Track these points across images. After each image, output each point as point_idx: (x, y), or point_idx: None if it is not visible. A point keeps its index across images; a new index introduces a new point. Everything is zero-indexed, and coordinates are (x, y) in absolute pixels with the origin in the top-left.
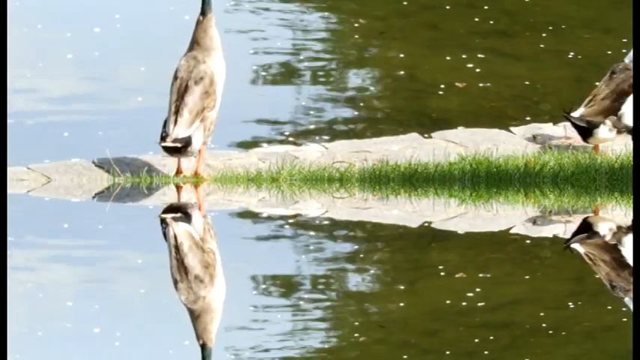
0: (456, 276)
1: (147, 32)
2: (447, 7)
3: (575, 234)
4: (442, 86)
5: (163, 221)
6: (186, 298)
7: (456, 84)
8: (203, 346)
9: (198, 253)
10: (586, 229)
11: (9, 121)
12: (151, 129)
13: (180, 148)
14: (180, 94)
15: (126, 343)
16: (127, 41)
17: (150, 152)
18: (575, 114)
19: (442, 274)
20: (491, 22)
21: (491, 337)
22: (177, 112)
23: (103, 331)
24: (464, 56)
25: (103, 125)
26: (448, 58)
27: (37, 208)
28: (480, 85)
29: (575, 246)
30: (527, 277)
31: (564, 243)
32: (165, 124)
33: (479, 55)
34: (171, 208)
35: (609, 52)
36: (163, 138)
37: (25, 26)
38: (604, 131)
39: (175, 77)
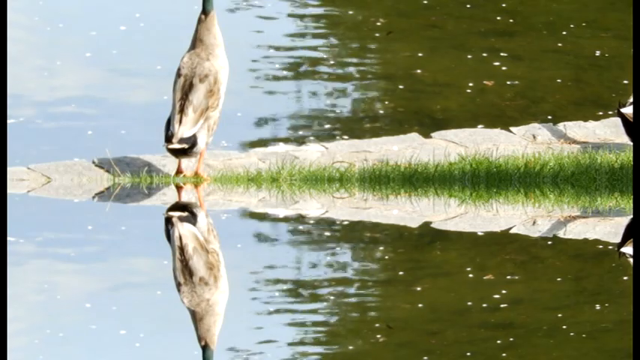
0: (484, 278)
1: (171, 31)
2: (448, 7)
3: (624, 237)
4: (442, 86)
5: (168, 221)
6: (190, 300)
7: (484, 82)
8: (205, 348)
9: (202, 254)
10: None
11: (10, 120)
12: (154, 128)
13: (187, 150)
14: (185, 91)
15: (127, 344)
16: (149, 40)
17: (150, 152)
18: (626, 110)
19: (442, 274)
20: (492, 22)
21: (491, 337)
22: (182, 111)
23: (104, 332)
24: (464, 56)
25: (105, 125)
26: (448, 58)
27: (37, 208)
28: (480, 85)
29: (627, 250)
30: (527, 277)
31: (617, 248)
32: (169, 123)
33: (479, 55)
34: (175, 208)
35: (609, 52)
36: (169, 139)
37: (48, 25)
38: None
39: (178, 75)
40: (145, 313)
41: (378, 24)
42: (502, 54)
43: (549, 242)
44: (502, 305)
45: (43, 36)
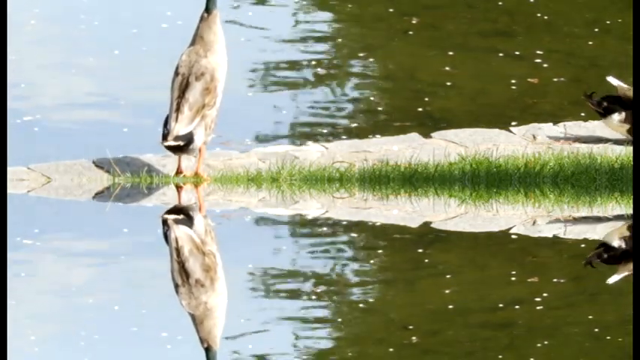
0: (529, 280)
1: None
2: (447, 7)
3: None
4: (442, 86)
5: (165, 223)
6: (189, 303)
7: (529, 79)
8: (207, 350)
9: (199, 257)
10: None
11: (15, 120)
12: (156, 128)
13: (183, 147)
14: (182, 90)
15: (127, 344)
16: (179, 38)
17: (150, 152)
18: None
19: (442, 274)
20: (491, 22)
21: (491, 337)
22: (178, 109)
23: (103, 332)
24: (464, 56)
25: (105, 124)
26: (448, 58)
27: (37, 208)
28: (480, 85)
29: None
30: (527, 277)
31: (585, 261)
32: (167, 121)
33: (479, 55)
34: (174, 210)
35: (609, 52)
36: (165, 137)
37: (82, 23)
38: None
39: (176, 73)
40: (147, 314)
41: (379, 24)
42: (502, 54)
43: (549, 242)
44: (502, 305)
45: (76, 34)
